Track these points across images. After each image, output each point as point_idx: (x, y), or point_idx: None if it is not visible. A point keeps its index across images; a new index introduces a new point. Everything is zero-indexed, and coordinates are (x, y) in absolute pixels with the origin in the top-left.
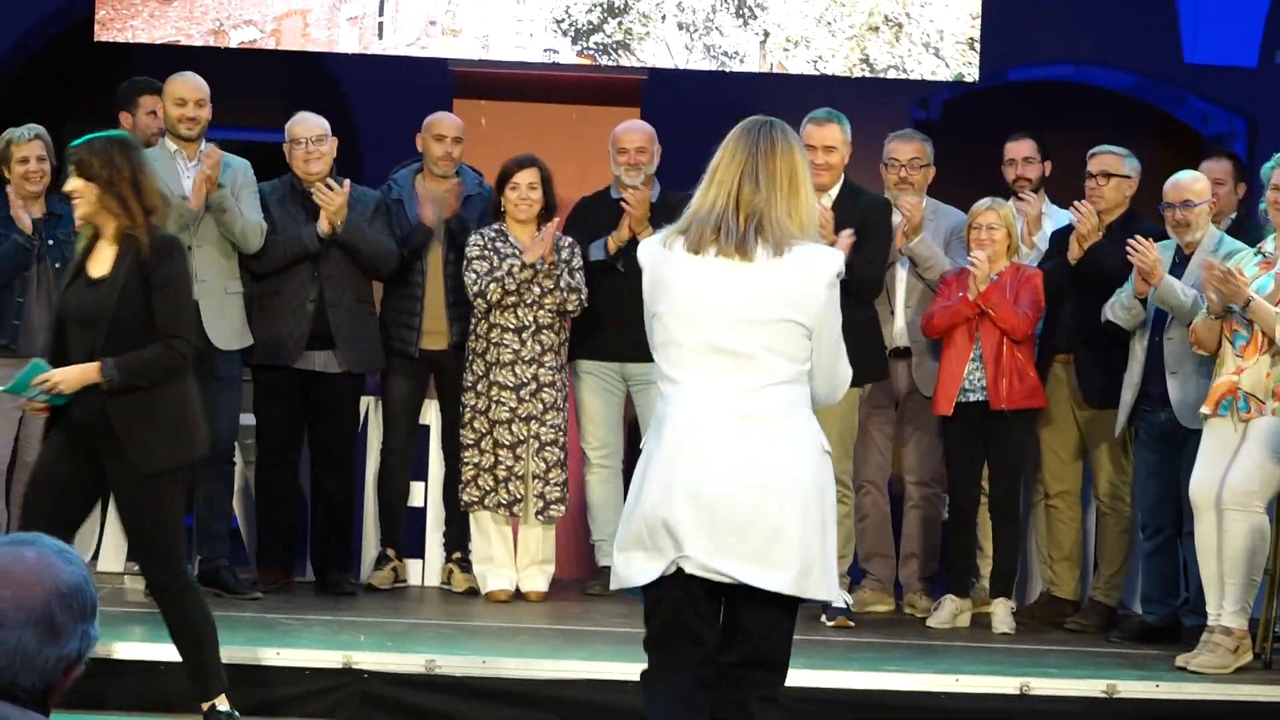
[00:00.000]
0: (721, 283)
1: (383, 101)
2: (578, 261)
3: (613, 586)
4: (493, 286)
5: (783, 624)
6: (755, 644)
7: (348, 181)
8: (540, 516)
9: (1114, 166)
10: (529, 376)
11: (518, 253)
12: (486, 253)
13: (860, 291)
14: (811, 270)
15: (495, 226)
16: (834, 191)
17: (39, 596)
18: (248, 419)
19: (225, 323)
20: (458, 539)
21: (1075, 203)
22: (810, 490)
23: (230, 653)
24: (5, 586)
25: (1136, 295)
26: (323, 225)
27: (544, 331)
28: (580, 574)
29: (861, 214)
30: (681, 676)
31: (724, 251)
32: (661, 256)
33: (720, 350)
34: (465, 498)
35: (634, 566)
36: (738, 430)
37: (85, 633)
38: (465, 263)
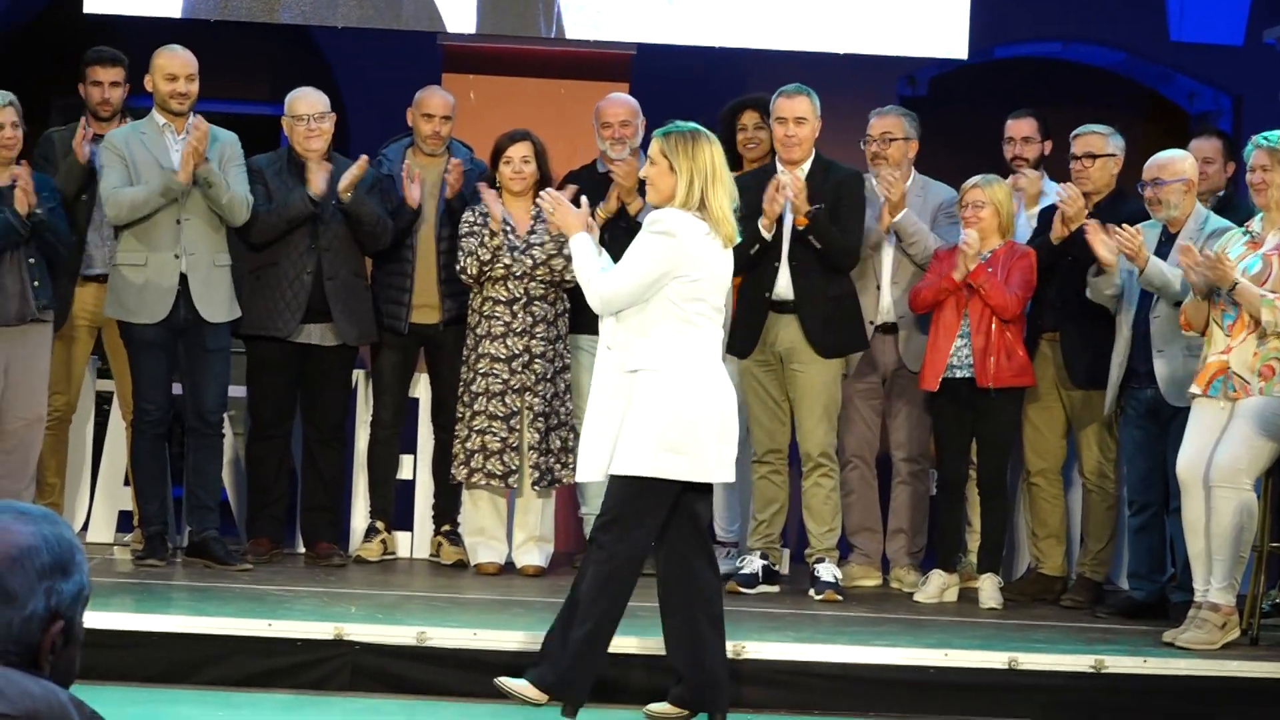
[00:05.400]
0: (726, 263)
1: (371, 75)
2: None
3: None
4: (470, 262)
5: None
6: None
7: (364, 158)
8: (536, 487)
9: (1098, 147)
10: (520, 348)
11: (509, 228)
12: (476, 229)
13: (837, 262)
14: None
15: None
16: (806, 165)
17: None
18: (236, 390)
19: (214, 295)
20: (446, 512)
21: (1061, 187)
22: None
23: (221, 624)
24: None
25: (1103, 269)
26: (312, 186)
27: (536, 303)
28: (571, 546)
29: (834, 186)
30: None
31: (725, 240)
32: (698, 236)
33: (719, 309)
34: (451, 470)
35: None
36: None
37: (53, 589)
38: (458, 238)
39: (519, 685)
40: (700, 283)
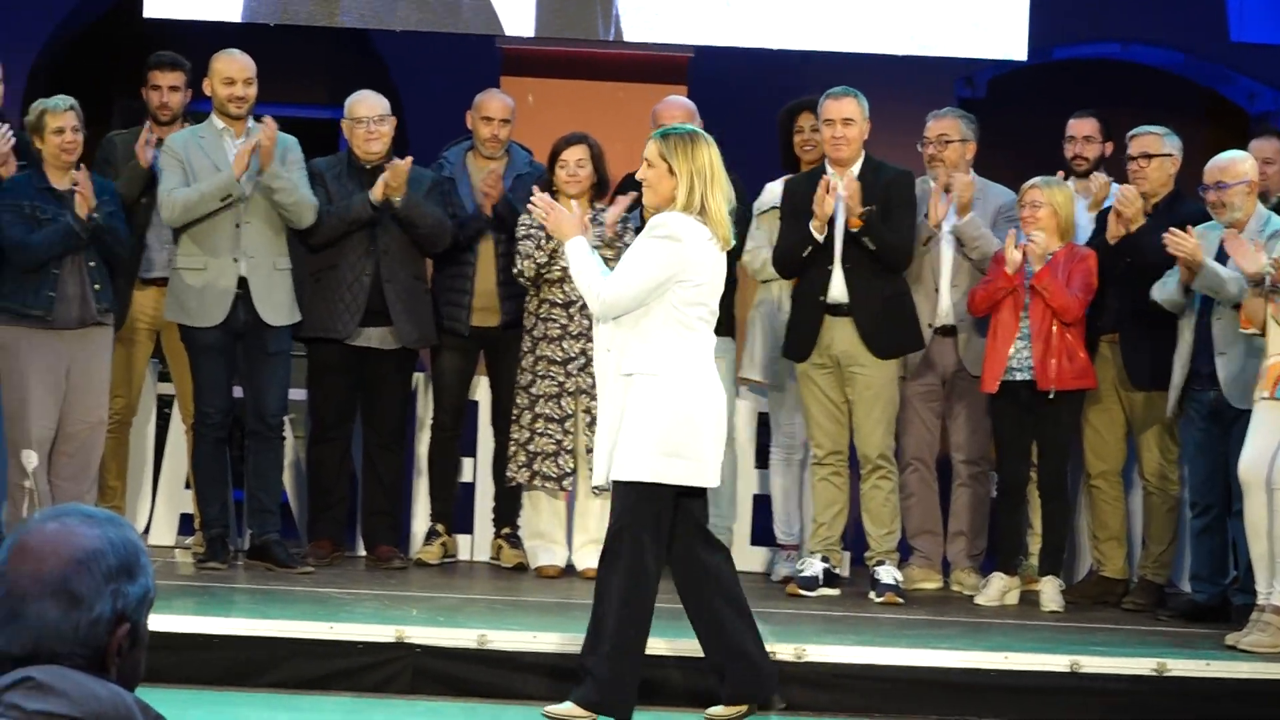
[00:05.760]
0: (724, 266)
1: (430, 79)
2: (631, 237)
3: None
4: (527, 264)
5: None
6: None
7: (408, 158)
8: (596, 490)
9: (1154, 147)
10: (577, 351)
11: None
12: (533, 231)
13: (891, 263)
14: None
15: None
16: (856, 166)
17: (54, 567)
18: (297, 394)
19: (274, 298)
20: (506, 514)
21: (1120, 188)
22: None
23: (283, 626)
24: (25, 561)
25: (1183, 282)
26: (375, 193)
27: None
28: None
29: (885, 187)
30: None
31: (723, 243)
32: (701, 240)
33: (715, 313)
34: (508, 473)
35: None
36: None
37: (119, 591)
38: (515, 241)
39: (564, 709)
40: (702, 287)
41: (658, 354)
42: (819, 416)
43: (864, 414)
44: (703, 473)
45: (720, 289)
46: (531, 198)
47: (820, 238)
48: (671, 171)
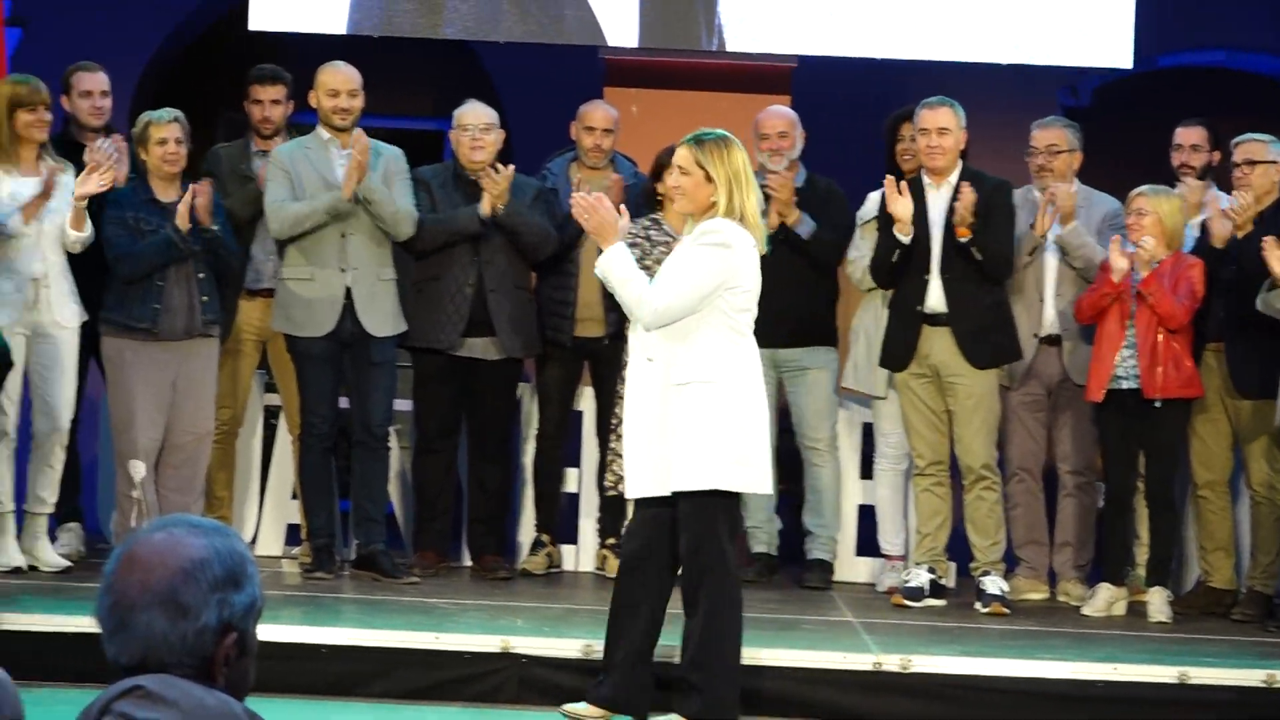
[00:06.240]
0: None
1: (534, 90)
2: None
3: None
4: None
5: None
6: None
7: (511, 166)
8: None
9: (1258, 154)
10: None
11: (671, 240)
12: (639, 240)
13: (996, 273)
14: None
15: (651, 216)
16: (953, 177)
17: (161, 577)
18: (403, 404)
19: (379, 309)
20: (611, 525)
21: (1234, 193)
22: None
23: (389, 636)
24: (133, 571)
25: (1277, 284)
26: (484, 207)
27: None
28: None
29: (984, 197)
30: None
31: (760, 246)
32: (747, 246)
33: (755, 317)
34: (605, 482)
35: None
36: None
37: (225, 601)
38: None
39: None
40: (750, 293)
41: (712, 361)
42: (919, 426)
43: (964, 424)
44: (764, 479)
45: (758, 294)
46: (575, 194)
47: (905, 239)
48: (709, 178)
